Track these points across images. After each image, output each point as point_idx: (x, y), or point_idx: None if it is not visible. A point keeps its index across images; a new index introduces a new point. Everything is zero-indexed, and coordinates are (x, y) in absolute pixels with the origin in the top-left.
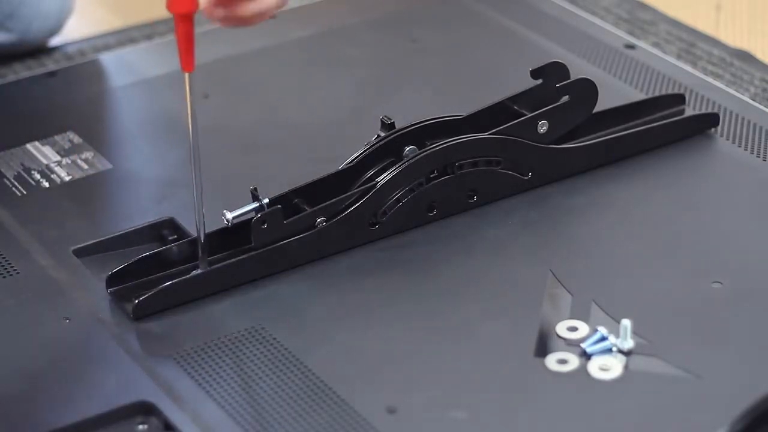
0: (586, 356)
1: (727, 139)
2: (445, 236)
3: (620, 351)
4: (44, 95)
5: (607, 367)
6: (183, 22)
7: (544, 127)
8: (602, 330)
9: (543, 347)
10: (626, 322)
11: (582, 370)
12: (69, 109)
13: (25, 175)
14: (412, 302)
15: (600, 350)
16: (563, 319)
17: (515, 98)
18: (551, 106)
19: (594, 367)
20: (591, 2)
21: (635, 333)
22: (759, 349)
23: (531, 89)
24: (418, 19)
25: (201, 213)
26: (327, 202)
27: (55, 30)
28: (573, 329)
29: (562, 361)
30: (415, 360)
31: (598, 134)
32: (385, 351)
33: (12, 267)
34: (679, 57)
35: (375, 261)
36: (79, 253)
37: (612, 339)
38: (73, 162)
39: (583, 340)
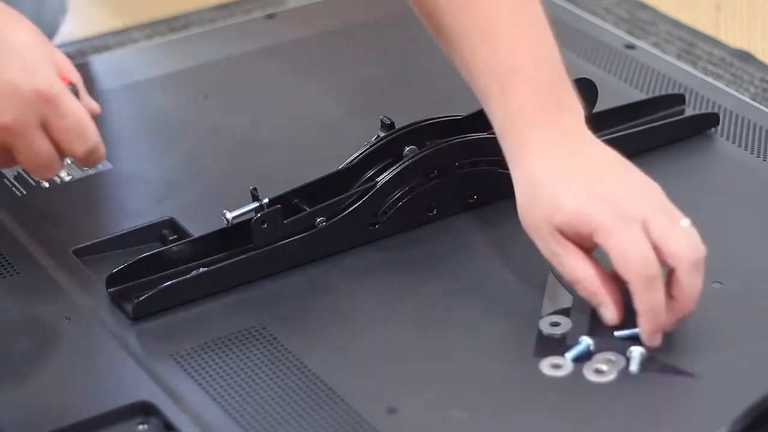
0: (581, 360)
1: (727, 139)
2: (445, 236)
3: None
4: None
5: (604, 369)
6: None
7: None
8: (586, 339)
9: (543, 347)
10: (639, 349)
11: (580, 371)
12: None
13: (25, 175)
14: (412, 302)
15: (580, 352)
16: (545, 315)
17: None
18: None
19: (591, 369)
20: (591, 2)
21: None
22: (759, 349)
23: None
24: (419, 20)
25: None
26: (327, 202)
27: (50, 35)
28: (556, 324)
29: (557, 366)
30: (415, 360)
31: (598, 134)
32: (385, 351)
33: (12, 267)
34: (679, 57)
35: (375, 261)
36: (79, 253)
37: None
38: (74, 162)
39: (566, 335)
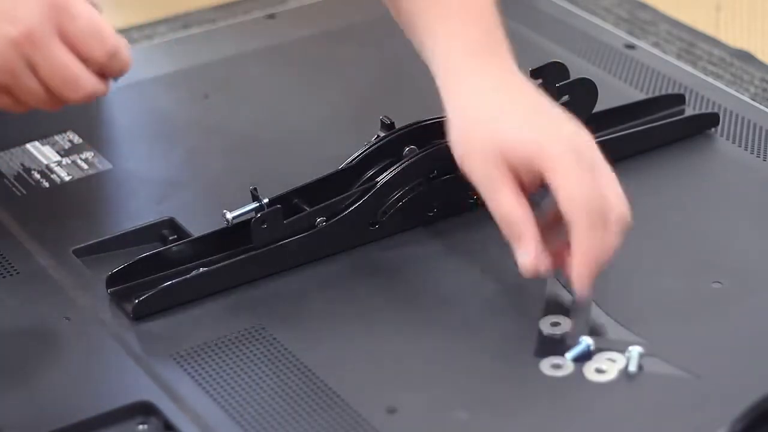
0: (581, 360)
1: (727, 139)
2: (445, 236)
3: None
4: None
5: (604, 369)
6: None
7: None
8: (586, 339)
9: (543, 347)
10: (637, 348)
11: (581, 371)
12: (69, 109)
13: (25, 175)
14: (412, 302)
15: (580, 352)
16: (546, 315)
17: None
18: None
19: (591, 369)
20: (591, 2)
21: (635, 333)
22: (759, 349)
23: None
24: None
25: None
26: (327, 202)
27: None
28: (556, 324)
29: (557, 366)
30: (415, 360)
31: (598, 134)
32: (385, 351)
33: (12, 267)
34: (679, 57)
35: (375, 261)
36: (79, 253)
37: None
38: (73, 162)
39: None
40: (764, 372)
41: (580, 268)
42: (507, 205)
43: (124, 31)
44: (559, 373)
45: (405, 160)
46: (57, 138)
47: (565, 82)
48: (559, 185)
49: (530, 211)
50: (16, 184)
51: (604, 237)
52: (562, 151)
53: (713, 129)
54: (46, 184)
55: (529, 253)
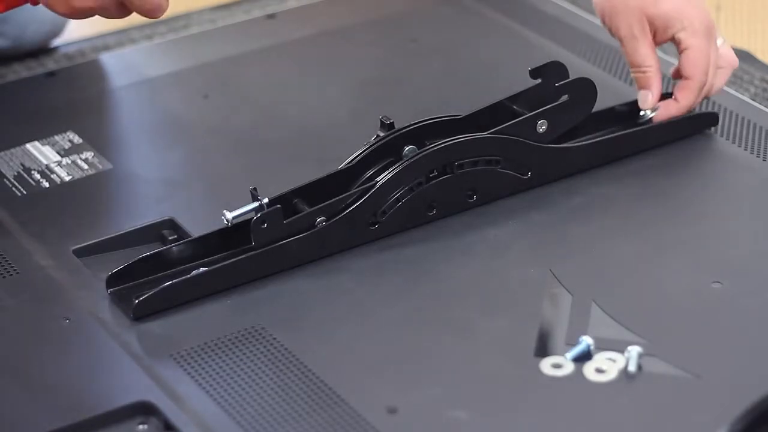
0: (581, 360)
1: (727, 139)
2: (445, 236)
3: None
4: (44, 95)
5: (604, 369)
6: None
7: (544, 127)
8: (586, 339)
9: (543, 347)
10: (636, 348)
11: (580, 371)
12: (69, 109)
13: (25, 175)
14: (412, 302)
15: (580, 352)
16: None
17: (515, 98)
18: (551, 105)
19: (591, 369)
20: (591, 2)
21: (635, 333)
22: (759, 349)
23: (530, 89)
24: (419, 19)
25: None
26: (327, 202)
27: (53, 34)
28: (557, 366)
29: (558, 365)
30: (415, 360)
31: (598, 134)
32: (385, 351)
33: (12, 267)
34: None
35: (375, 261)
36: (79, 253)
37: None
38: (73, 162)
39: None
40: (764, 372)
41: (676, 109)
42: (644, 55)
43: (124, 32)
44: (559, 373)
45: (405, 160)
46: (57, 138)
47: (565, 81)
48: (688, 45)
49: (659, 63)
50: (16, 184)
51: (699, 96)
52: (698, 20)
53: (713, 129)
54: (46, 184)
55: (653, 95)
